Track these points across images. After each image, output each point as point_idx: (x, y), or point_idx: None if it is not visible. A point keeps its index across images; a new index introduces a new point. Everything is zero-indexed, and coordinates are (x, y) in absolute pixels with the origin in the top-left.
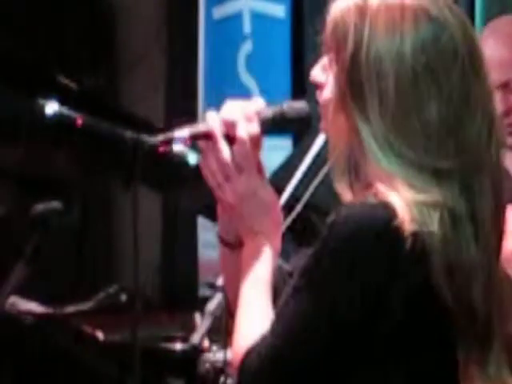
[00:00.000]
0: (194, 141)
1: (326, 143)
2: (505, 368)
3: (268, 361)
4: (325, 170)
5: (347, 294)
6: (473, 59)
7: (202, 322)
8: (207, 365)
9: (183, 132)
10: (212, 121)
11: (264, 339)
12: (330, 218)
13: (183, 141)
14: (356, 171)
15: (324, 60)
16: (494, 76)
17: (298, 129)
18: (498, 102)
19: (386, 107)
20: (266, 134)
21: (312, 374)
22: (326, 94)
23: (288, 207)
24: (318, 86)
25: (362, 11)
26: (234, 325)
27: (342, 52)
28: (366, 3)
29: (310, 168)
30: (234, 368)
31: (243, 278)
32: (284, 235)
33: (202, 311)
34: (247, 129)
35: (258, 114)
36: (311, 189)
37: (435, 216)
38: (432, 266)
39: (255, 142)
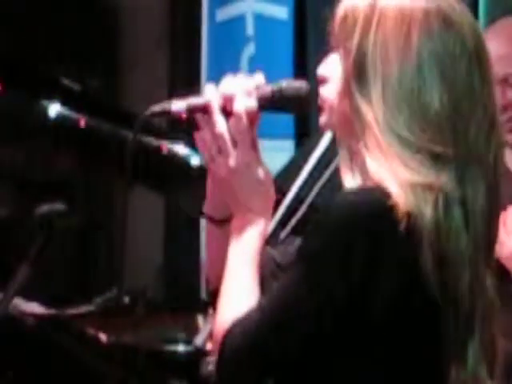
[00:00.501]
0: (190, 113)
1: (330, 144)
2: (482, 366)
3: (251, 339)
4: (329, 169)
5: (339, 276)
6: (480, 57)
7: (204, 324)
8: (210, 367)
9: (180, 104)
10: (210, 94)
11: (250, 315)
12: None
13: (180, 113)
14: (357, 161)
15: (331, 57)
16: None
17: (297, 109)
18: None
19: (388, 90)
20: (263, 110)
21: (294, 359)
22: (332, 88)
23: (292, 208)
24: (321, 81)
25: (372, 7)
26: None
27: (350, 41)
28: (376, 1)
29: (314, 168)
30: (216, 340)
31: (231, 250)
32: (288, 236)
33: (204, 313)
34: (245, 103)
35: (257, 89)
36: (316, 190)
37: (429, 199)
38: (422, 250)
39: (252, 118)
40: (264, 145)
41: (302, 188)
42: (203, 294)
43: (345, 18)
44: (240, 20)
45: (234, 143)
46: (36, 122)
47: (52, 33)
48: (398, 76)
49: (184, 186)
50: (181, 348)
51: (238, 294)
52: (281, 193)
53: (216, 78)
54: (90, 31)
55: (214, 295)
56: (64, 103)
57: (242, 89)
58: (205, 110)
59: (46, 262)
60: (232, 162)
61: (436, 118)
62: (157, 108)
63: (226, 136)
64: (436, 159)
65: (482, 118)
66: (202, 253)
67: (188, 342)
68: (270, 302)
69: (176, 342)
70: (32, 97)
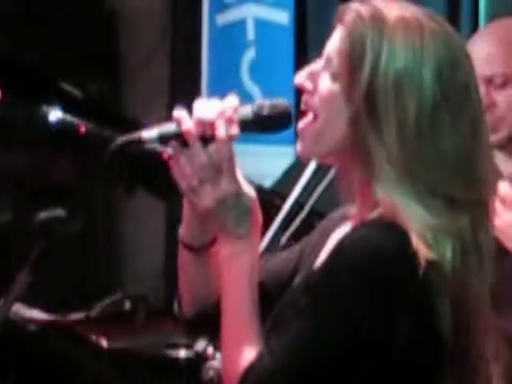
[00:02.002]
0: (162, 142)
1: None
2: None
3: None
4: (329, 176)
5: (353, 320)
6: (477, 92)
7: None
8: (211, 372)
9: (152, 132)
10: (186, 121)
11: (262, 359)
12: (343, 237)
13: (152, 142)
14: (362, 192)
15: (313, 66)
16: (479, 70)
17: (279, 127)
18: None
19: (404, 132)
20: (244, 132)
21: None
22: (315, 103)
23: (292, 214)
24: (304, 91)
25: (378, 24)
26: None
27: (359, 68)
28: (382, 16)
29: (314, 174)
30: None
31: (226, 284)
32: (288, 242)
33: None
34: (227, 129)
35: (235, 112)
36: (315, 195)
37: (448, 244)
38: (440, 297)
39: (232, 142)
40: (264, 151)
41: (301, 194)
42: None
43: (351, 43)
44: (240, 25)
45: (219, 171)
46: (36, 127)
47: (52, 38)
48: (414, 116)
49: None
50: (182, 353)
51: (243, 333)
52: (281, 198)
53: (216, 83)
54: (90, 37)
55: (190, 321)
56: (64, 109)
57: (221, 114)
58: (180, 137)
59: (46, 268)
60: (218, 191)
61: (450, 161)
62: (126, 138)
63: (209, 166)
64: (452, 202)
65: (486, 152)
66: None
67: (189, 347)
68: (282, 347)
69: (177, 347)
70: (32, 102)
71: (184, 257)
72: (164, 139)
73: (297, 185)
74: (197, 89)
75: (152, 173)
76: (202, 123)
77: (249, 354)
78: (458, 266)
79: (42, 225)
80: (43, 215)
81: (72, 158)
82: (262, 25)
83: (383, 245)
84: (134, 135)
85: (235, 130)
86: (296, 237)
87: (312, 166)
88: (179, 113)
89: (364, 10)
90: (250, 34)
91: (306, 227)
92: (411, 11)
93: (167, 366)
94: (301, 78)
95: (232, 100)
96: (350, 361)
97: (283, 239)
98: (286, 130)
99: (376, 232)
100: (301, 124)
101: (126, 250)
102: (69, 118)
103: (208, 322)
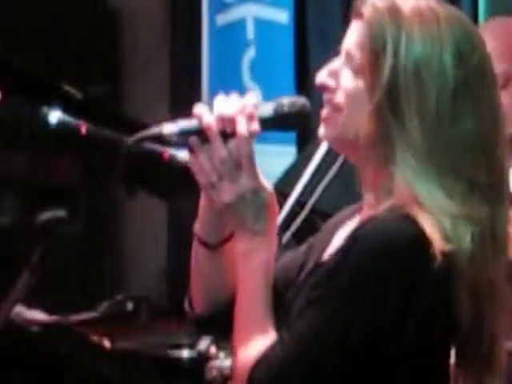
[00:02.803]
0: (182, 136)
1: (330, 148)
2: None
3: (279, 376)
4: (330, 174)
5: (366, 311)
6: (493, 73)
7: None
8: (214, 372)
9: (173, 127)
10: (206, 117)
11: (274, 350)
12: (358, 227)
13: (172, 137)
14: (378, 181)
15: (332, 64)
16: None
17: (297, 125)
18: None
19: (425, 118)
20: (264, 130)
21: None
22: (339, 99)
23: (293, 212)
24: (326, 90)
25: (395, 17)
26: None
27: (380, 60)
28: (398, 8)
29: (315, 173)
30: (239, 377)
31: (242, 279)
32: (289, 241)
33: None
34: (248, 125)
35: (256, 109)
36: (316, 194)
37: (467, 232)
38: (456, 286)
39: (253, 139)
40: (266, 150)
41: (302, 192)
42: None
43: (372, 36)
44: (240, 24)
45: (238, 167)
46: (37, 128)
47: (53, 39)
48: (435, 103)
49: (187, 192)
50: (185, 353)
51: (257, 327)
52: (282, 197)
53: (217, 82)
54: (90, 38)
55: (203, 322)
56: (65, 110)
57: (241, 110)
58: (200, 133)
59: (48, 269)
60: (238, 187)
61: (471, 145)
62: (147, 133)
63: (229, 161)
64: (473, 189)
65: (503, 139)
66: None
67: (192, 347)
68: (293, 338)
69: (180, 347)
70: (33, 104)
71: (198, 254)
72: (184, 134)
73: (298, 184)
74: (197, 89)
75: (152, 173)
76: (222, 119)
77: (261, 346)
78: (476, 254)
79: (44, 225)
80: (45, 216)
81: (73, 159)
82: (261, 24)
83: (397, 237)
84: (155, 129)
85: (256, 126)
86: (297, 236)
87: (314, 163)
88: (200, 108)
89: (380, 3)
90: (250, 33)
91: (307, 226)
92: (425, 1)
93: (170, 366)
94: (322, 77)
95: (252, 97)
96: (363, 351)
97: (284, 238)
98: (303, 127)
99: (389, 224)
100: (324, 113)
101: (129, 251)
102: (69, 118)
103: (218, 322)
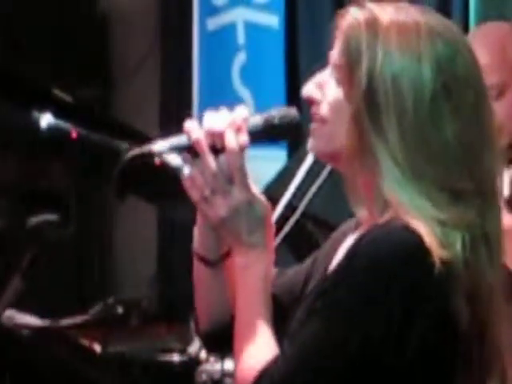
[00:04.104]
0: (174, 153)
1: None
2: None
3: None
4: (321, 178)
5: (368, 321)
6: (481, 82)
7: None
8: (204, 376)
9: (163, 144)
10: (195, 132)
11: (275, 363)
12: (357, 239)
13: (162, 154)
14: (370, 194)
15: (319, 76)
16: None
17: (288, 136)
18: None
19: (404, 127)
20: (254, 142)
21: None
22: (324, 111)
23: (284, 216)
24: (311, 103)
25: (373, 28)
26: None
27: (356, 71)
28: (376, 19)
29: (305, 177)
30: None
31: (241, 293)
32: (280, 245)
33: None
34: (237, 138)
35: (245, 122)
36: (307, 198)
37: (458, 238)
38: (455, 293)
39: (243, 152)
40: (256, 154)
41: (294, 196)
42: None
43: (347, 45)
44: (231, 29)
45: (230, 180)
46: (28, 133)
47: (43, 44)
48: (413, 108)
49: (177, 196)
50: (175, 358)
51: (257, 339)
52: (273, 201)
53: (207, 87)
54: (81, 43)
55: (207, 338)
56: (56, 114)
57: (230, 124)
58: (190, 148)
59: (39, 274)
60: (232, 200)
61: (452, 151)
62: (137, 151)
63: (221, 175)
64: (458, 195)
65: (492, 147)
66: None
67: (182, 351)
68: (295, 350)
69: (171, 351)
70: (24, 108)
71: (199, 271)
72: (175, 151)
73: (289, 188)
74: (188, 93)
75: (142, 177)
76: (211, 134)
77: (262, 359)
78: (470, 259)
79: (35, 229)
80: (35, 220)
81: (64, 163)
82: (252, 29)
83: (397, 246)
84: (145, 148)
85: (244, 138)
86: (288, 239)
87: (305, 167)
88: (189, 124)
89: (359, 15)
90: (241, 37)
91: (299, 230)
92: (407, 12)
93: (161, 371)
94: (308, 89)
95: (242, 110)
96: (365, 362)
97: (275, 242)
98: (294, 140)
99: (390, 234)
100: (312, 125)
101: (119, 256)
102: (60, 123)
103: (223, 338)
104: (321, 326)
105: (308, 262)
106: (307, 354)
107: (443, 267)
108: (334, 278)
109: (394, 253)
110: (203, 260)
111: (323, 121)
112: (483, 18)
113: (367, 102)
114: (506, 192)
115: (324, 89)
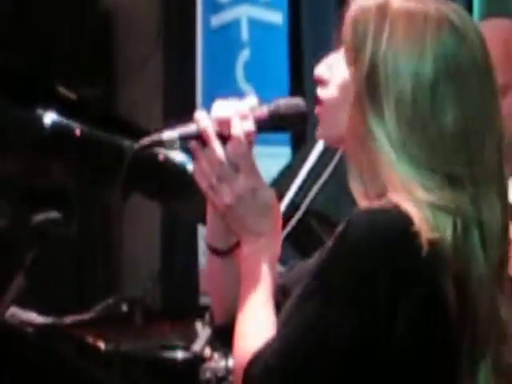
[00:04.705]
0: (183, 142)
1: (324, 150)
2: None
3: (276, 370)
4: (324, 175)
5: (358, 301)
6: (488, 69)
7: (203, 331)
8: (209, 373)
9: (172, 133)
10: (203, 120)
11: (271, 346)
12: (345, 221)
13: (172, 143)
14: (369, 176)
15: (331, 57)
16: None
17: (294, 126)
18: None
19: (401, 109)
20: (261, 131)
21: None
22: (330, 91)
23: (287, 214)
24: (320, 82)
25: (382, 12)
26: (235, 332)
27: (361, 52)
28: (387, 4)
29: (309, 174)
30: (237, 375)
31: (244, 283)
32: (283, 242)
33: (203, 320)
34: (242, 126)
35: (252, 111)
36: (311, 195)
37: (449, 222)
38: (443, 275)
39: (250, 140)
40: (260, 151)
41: (297, 194)
42: (201, 301)
43: (355, 26)
44: (235, 26)
45: (236, 168)
46: (31, 130)
47: (47, 41)
48: (411, 93)
49: (181, 193)
50: (179, 355)
51: (257, 326)
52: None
53: (211, 84)
54: (84, 40)
55: (220, 331)
56: (60, 112)
57: (236, 112)
58: (199, 137)
59: (43, 271)
60: (237, 187)
61: (451, 138)
62: (147, 141)
63: (227, 162)
64: (452, 180)
65: (494, 134)
66: (200, 260)
67: (186, 348)
68: (290, 332)
69: (174, 348)
70: (27, 106)
71: (212, 263)
72: (184, 140)
73: (292, 185)
74: (192, 90)
75: (146, 175)
76: (218, 122)
77: (260, 343)
78: (460, 243)
79: (38, 227)
80: (38, 218)
81: (67, 161)
82: (256, 25)
83: (386, 227)
84: (155, 137)
85: (250, 126)
86: (291, 237)
87: (308, 164)
88: (198, 113)
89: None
90: (245, 34)
91: (302, 227)
92: (420, 0)
93: (164, 368)
94: (319, 69)
95: (250, 100)
96: (358, 345)
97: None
98: (299, 129)
99: (378, 215)
100: (318, 108)
101: (123, 253)
102: (64, 120)
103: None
104: (313, 309)
105: (314, 257)
106: (300, 334)
107: (432, 249)
108: (324, 260)
109: (381, 235)
110: (214, 250)
111: (327, 102)
112: (487, 14)
113: (369, 85)
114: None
115: (334, 69)
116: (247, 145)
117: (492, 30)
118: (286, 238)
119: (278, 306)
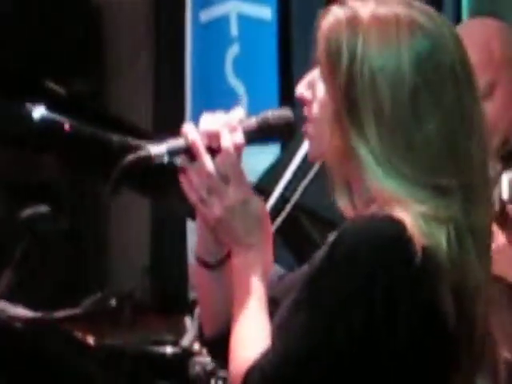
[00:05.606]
0: (172, 156)
1: None
2: None
3: (273, 379)
4: (313, 170)
5: (352, 309)
6: (466, 73)
7: (192, 325)
8: (198, 367)
9: (160, 148)
10: (191, 134)
11: (266, 356)
12: (337, 231)
13: (161, 157)
14: (355, 187)
15: (310, 75)
16: None
17: (283, 136)
18: None
19: (382, 124)
20: (249, 143)
21: None
22: (314, 110)
23: (277, 209)
24: (304, 103)
25: (353, 25)
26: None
27: (336, 69)
28: (357, 16)
29: (298, 169)
30: None
31: (237, 294)
32: (274, 239)
33: (192, 314)
34: (232, 138)
35: (241, 123)
36: (300, 190)
37: (442, 230)
38: (439, 284)
39: (239, 153)
40: (250, 149)
41: (286, 188)
42: (190, 296)
43: (327, 43)
44: (224, 21)
45: (226, 180)
46: (20, 125)
47: (36, 36)
48: (391, 108)
49: (170, 187)
50: (168, 349)
51: (253, 336)
52: (266, 194)
53: (200, 79)
54: (74, 35)
55: (210, 344)
56: (49, 107)
57: (225, 125)
58: (188, 151)
59: (32, 266)
60: (227, 200)
61: (436, 148)
62: (135, 156)
63: (216, 176)
64: (441, 190)
65: (478, 139)
66: (189, 255)
67: (175, 343)
68: (284, 343)
69: (163, 343)
70: (16, 100)
71: (202, 276)
72: (173, 154)
73: (281, 180)
74: (181, 85)
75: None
76: (207, 135)
77: (256, 354)
78: (455, 251)
79: (27, 221)
80: (28, 212)
81: (56, 156)
82: (245, 21)
83: (380, 234)
84: (144, 152)
85: (239, 138)
86: (281, 232)
87: (297, 160)
88: (186, 126)
89: (340, 14)
90: (234, 30)
91: (291, 222)
92: (389, 5)
93: (154, 363)
94: (301, 89)
95: (237, 112)
96: (353, 352)
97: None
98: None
99: (372, 223)
100: (304, 126)
101: (112, 248)
102: (53, 115)
103: (223, 344)
104: (306, 317)
105: (305, 265)
106: (296, 347)
107: (426, 255)
108: (318, 268)
109: (375, 241)
110: (204, 263)
111: (312, 121)
112: (475, 13)
113: (346, 101)
114: (505, 196)
115: (314, 88)
116: (236, 157)
117: (472, 32)
118: (275, 233)
119: (270, 316)
